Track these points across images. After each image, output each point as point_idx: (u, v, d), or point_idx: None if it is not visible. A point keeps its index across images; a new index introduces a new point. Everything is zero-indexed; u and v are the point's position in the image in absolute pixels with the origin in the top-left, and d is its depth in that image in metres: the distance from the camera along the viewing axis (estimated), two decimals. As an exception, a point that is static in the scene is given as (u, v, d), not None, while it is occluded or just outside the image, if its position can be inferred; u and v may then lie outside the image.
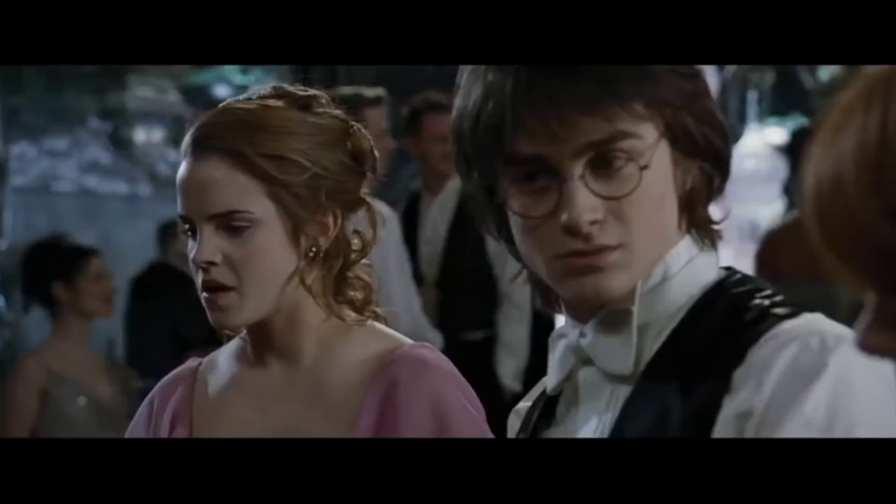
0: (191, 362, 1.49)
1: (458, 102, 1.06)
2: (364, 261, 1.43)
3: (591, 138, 0.99)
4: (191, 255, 1.37)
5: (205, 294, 1.37)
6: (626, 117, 1.00)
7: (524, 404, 1.17)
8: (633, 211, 1.00)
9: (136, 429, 1.47)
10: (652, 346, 1.04)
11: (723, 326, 1.01)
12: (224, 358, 1.47)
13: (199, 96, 6.28)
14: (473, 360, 3.32)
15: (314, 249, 1.38)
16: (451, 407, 1.35)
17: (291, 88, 1.42)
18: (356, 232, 1.43)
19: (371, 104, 3.39)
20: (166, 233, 5.31)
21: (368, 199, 1.42)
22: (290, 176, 1.36)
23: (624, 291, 1.02)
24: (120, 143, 6.82)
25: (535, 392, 1.16)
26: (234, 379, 1.44)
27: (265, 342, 1.41)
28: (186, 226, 1.38)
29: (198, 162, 1.37)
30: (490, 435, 1.36)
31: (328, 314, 1.39)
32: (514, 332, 3.74)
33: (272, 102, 1.40)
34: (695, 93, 1.04)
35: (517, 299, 3.67)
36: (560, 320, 1.12)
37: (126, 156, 6.81)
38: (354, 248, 1.43)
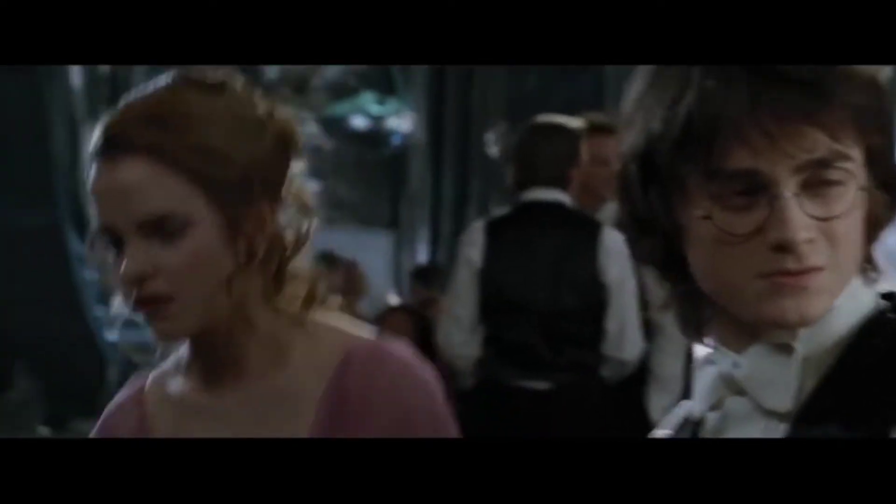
0: (133, 386, 1.35)
1: (639, 118, 0.99)
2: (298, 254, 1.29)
3: (813, 156, 0.95)
4: (117, 270, 1.22)
5: (142, 308, 1.22)
6: (847, 134, 0.97)
7: (663, 432, 1.11)
8: (842, 233, 0.97)
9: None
10: (811, 381, 1.00)
11: (888, 358, 0.98)
12: (171, 379, 1.33)
13: (337, 127, 6.56)
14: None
15: (253, 247, 1.24)
16: (411, 406, 1.26)
17: (197, 74, 1.28)
18: (289, 225, 1.28)
19: (602, 132, 3.56)
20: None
21: (297, 187, 1.28)
22: (219, 169, 1.22)
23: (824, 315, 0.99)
24: None
25: (673, 419, 1.11)
26: (185, 405, 1.31)
27: (210, 354, 1.28)
28: (107, 239, 1.23)
29: (113, 165, 1.20)
30: (454, 430, 1.29)
31: (273, 315, 1.27)
32: (667, 367, 3.51)
33: (180, 90, 1.26)
34: (891, 119, 1.02)
35: (671, 332, 3.34)
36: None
37: None
38: (287, 243, 1.27)
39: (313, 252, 1.32)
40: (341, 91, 7.19)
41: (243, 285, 1.25)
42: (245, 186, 1.24)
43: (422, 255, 7.59)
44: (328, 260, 6.01)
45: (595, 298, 3.40)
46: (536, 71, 7.67)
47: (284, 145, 1.28)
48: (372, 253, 7.09)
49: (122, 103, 1.26)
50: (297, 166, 1.30)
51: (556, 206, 3.45)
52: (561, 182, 3.47)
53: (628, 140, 0.99)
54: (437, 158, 7.47)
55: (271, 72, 6.93)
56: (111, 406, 1.37)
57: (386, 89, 7.18)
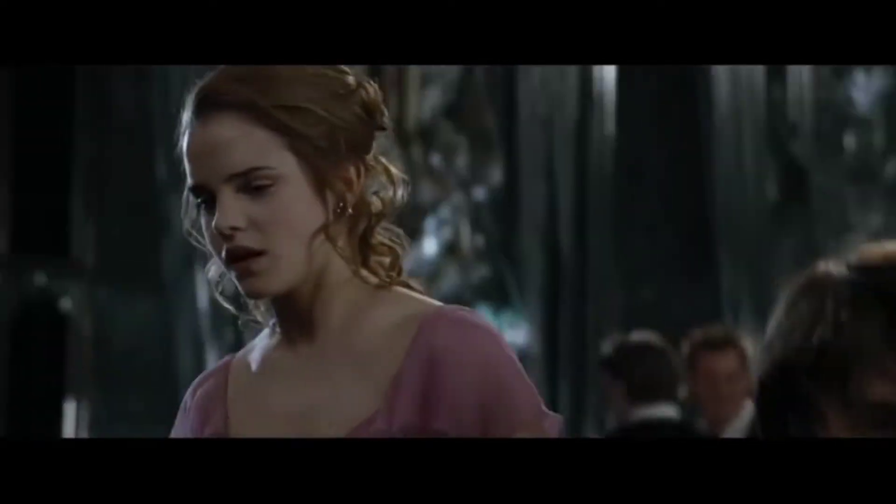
0: (226, 358, 1.40)
1: (777, 345, 0.99)
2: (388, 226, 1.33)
3: None
4: (211, 225, 1.25)
5: (233, 264, 1.25)
6: None
7: None
8: None
9: (176, 432, 1.37)
10: None
11: None
12: (258, 346, 1.35)
13: None
14: None
15: (341, 205, 1.27)
16: (502, 366, 1.26)
17: None
18: (375, 193, 1.32)
19: (715, 347, 3.56)
20: None
21: (383, 158, 1.33)
22: (308, 126, 1.25)
23: None
24: None
25: None
26: (265, 363, 1.33)
27: (292, 313, 1.30)
28: (200, 198, 1.27)
29: (205, 123, 1.24)
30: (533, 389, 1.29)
31: (356, 279, 1.29)
32: None
33: None
34: None
35: None
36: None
37: None
38: (374, 210, 1.31)
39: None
40: (457, 304, 7.32)
41: (329, 247, 1.28)
42: (332, 145, 1.28)
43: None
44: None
45: None
46: (653, 282, 7.68)
47: (370, 114, 1.32)
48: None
49: (219, 68, 1.31)
50: (383, 137, 1.33)
51: (668, 424, 3.40)
52: (673, 398, 3.43)
53: (764, 366, 0.98)
54: (553, 371, 7.46)
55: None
56: (199, 376, 1.41)
57: (501, 301, 7.26)
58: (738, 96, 7.09)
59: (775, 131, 7.09)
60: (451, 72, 7.72)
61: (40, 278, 6.78)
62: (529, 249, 7.59)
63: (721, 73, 7.13)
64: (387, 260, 1.33)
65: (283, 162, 1.26)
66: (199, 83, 1.29)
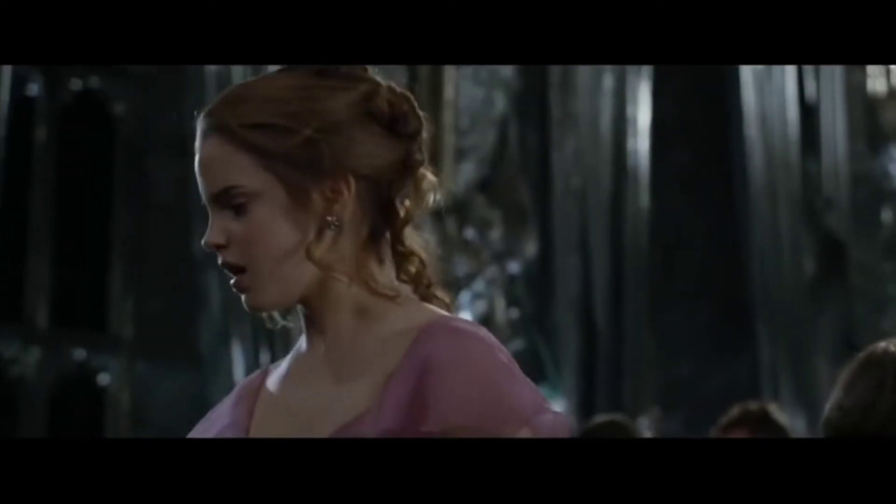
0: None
1: (836, 411, 1.01)
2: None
3: None
4: None
5: (231, 280, 1.31)
6: None
7: None
8: None
9: (212, 413, 1.41)
10: None
11: None
12: (293, 350, 1.39)
13: None
14: None
15: (330, 218, 1.27)
16: (494, 370, 1.24)
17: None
18: (402, 202, 1.31)
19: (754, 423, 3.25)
20: None
21: (417, 165, 1.31)
22: (276, 143, 1.27)
23: None
24: None
25: None
26: (291, 364, 1.36)
27: (310, 322, 1.33)
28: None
29: (202, 145, 1.31)
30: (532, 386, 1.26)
31: (365, 287, 1.30)
32: None
33: (282, 73, 1.33)
34: None
35: None
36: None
37: None
38: (401, 215, 1.31)
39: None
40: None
41: (311, 257, 1.28)
42: (311, 159, 1.27)
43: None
44: None
45: None
46: (690, 357, 7.63)
47: (389, 123, 1.29)
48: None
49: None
50: (395, 143, 1.30)
51: None
52: None
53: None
54: (590, 445, 7.41)
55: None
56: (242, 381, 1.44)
57: (536, 375, 7.24)
58: (773, 169, 7.09)
59: (811, 205, 7.07)
60: (486, 145, 7.79)
61: (80, 353, 6.82)
62: (564, 323, 7.58)
63: (755, 145, 7.14)
64: (413, 268, 1.32)
65: (256, 180, 1.28)
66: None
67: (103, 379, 6.75)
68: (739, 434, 3.59)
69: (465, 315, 7.47)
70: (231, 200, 1.29)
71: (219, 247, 1.29)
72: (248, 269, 1.28)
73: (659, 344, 7.68)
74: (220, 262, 1.30)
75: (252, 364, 6.06)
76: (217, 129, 1.29)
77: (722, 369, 7.31)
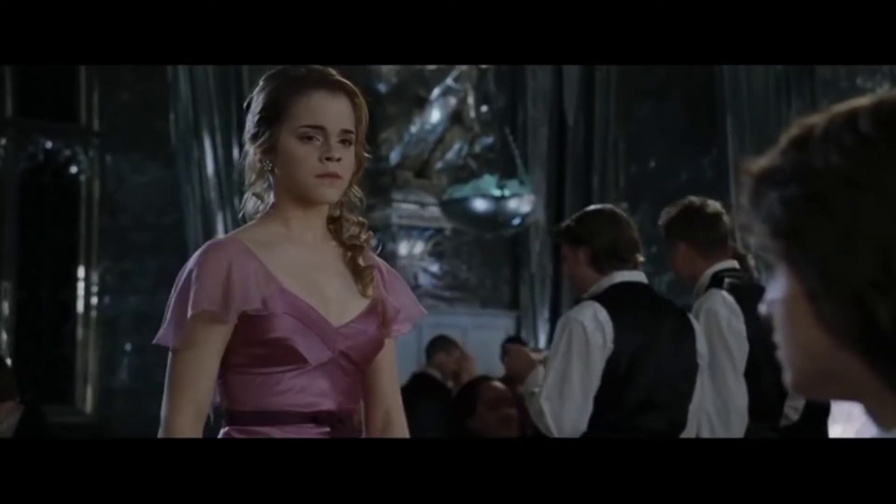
0: (219, 239, 2.17)
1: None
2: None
3: None
4: (316, 152, 2.03)
5: (325, 178, 2.02)
6: None
7: None
8: None
9: (191, 291, 2.02)
10: None
11: None
12: (256, 229, 2.10)
13: (457, 209, 6.83)
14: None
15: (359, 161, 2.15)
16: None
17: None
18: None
19: None
20: (430, 348, 5.93)
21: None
22: (362, 112, 2.14)
23: None
24: (384, 256, 6.95)
25: None
26: (277, 236, 2.09)
27: (305, 214, 2.11)
28: (311, 135, 2.04)
29: (334, 95, 2.06)
30: None
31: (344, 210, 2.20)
32: None
33: None
34: None
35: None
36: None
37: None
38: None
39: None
40: (462, 174, 7.32)
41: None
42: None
43: (542, 335, 7.63)
44: (444, 343, 6.07)
45: (693, 377, 3.41)
46: (656, 152, 7.69)
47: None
48: (492, 333, 7.13)
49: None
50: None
51: (647, 287, 3.50)
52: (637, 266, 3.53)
53: None
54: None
55: (394, 155, 7.12)
56: (201, 250, 2.06)
57: (507, 172, 7.29)
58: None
59: None
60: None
61: (50, 144, 6.79)
62: (535, 119, 7.60)
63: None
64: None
65: (354, 128, 2.07)
66: (314, 71, 2.08)
67: (74, 169, 6.75)
68: (678, 224, 3.73)
69: (436, 111, 7.47)
70: (344, 137, 2.04)
71: (337, 160, 2.02)
72: (342, 178, 2.03)
73: (628, 139, 7.72)
74: (326, 168, 2.01)
75: (222, 156, 6.08)
76: (349, 94, 2.05)
77: (689, 164, 7.39)
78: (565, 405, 3.40)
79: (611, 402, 3.35)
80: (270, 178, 2.03)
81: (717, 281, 3.66)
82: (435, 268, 7.38)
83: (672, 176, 7.54)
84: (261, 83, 2.07)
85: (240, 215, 2.10)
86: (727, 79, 6.69)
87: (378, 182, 7.06)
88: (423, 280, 7.32)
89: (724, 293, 3.62)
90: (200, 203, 5.99)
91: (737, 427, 3.38)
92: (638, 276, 3.47)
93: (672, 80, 7.40)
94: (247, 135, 2.04)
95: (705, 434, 3.37)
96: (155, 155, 6.44)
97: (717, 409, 3.41)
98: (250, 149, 2.02)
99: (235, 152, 6.08)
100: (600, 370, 3.33)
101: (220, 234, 6.03)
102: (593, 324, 3.39)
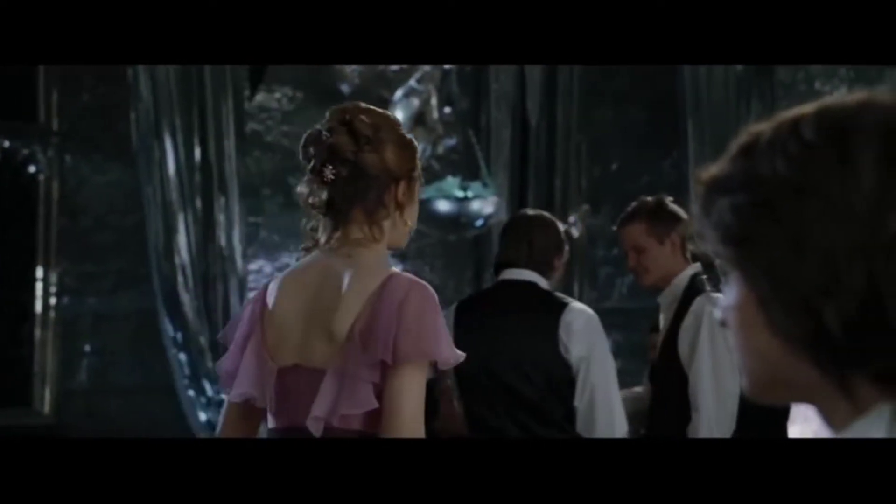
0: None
1: None
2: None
3: None
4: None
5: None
6: None
7: None
8: None
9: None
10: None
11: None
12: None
13: (420, 211, 6.77)
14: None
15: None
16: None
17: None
18: None
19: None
20: None
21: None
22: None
23: None
24: None
25: None
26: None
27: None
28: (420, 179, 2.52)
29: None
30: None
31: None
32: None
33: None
34: None
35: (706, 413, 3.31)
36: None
37: None
38: None
39: None
40: (425, 175, 7.32)
41: None
42: None
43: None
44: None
45: (560, 377, 3.40)
46: (618, 155, 7.73)
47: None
48: (455, 335, 7.12)
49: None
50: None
51: (527, 285, 3.52)
52: (542, 267, 3.54)
53: None
54: (520, 241, 7.53)
55: (357, 158, 7.11)
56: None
57: (470, 173, 7.29)
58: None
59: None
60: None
61: (8, 143, 6.73)
62: (498, 121, 7.61)
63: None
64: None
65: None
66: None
67: (32, 169, 6.69)
68: (637, 226, 3.74)
69: (399, 112, 7.45)
70: None
71: None
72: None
73: (590, 142, 7.76)
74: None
75: (184, 158, 6.05)
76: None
77: (650, 167, 7.43)
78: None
79: (465, 402, 3.37)
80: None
81: (696, 283, 3.65)
82: (398, 269, 7.38)
83: (634, 178, 7.57)
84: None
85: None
86: (688, 83, 6.75)
87: (341, 183, 7.05)
88: (386, 281, 7.33)
89: (716, 296, 3.64)
90: (161, 204, 5.96)
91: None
92: (524, 274, 3.52)
93: (634, 84, 7.45)
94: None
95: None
96: (115, 155, 6.39)
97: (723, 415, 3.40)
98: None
99: (197, 153, 6.05)
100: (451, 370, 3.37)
101: (182, 236, 6.02)
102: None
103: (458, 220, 7.02)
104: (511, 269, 3.62)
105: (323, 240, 2.28)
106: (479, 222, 6.96)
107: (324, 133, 2.33)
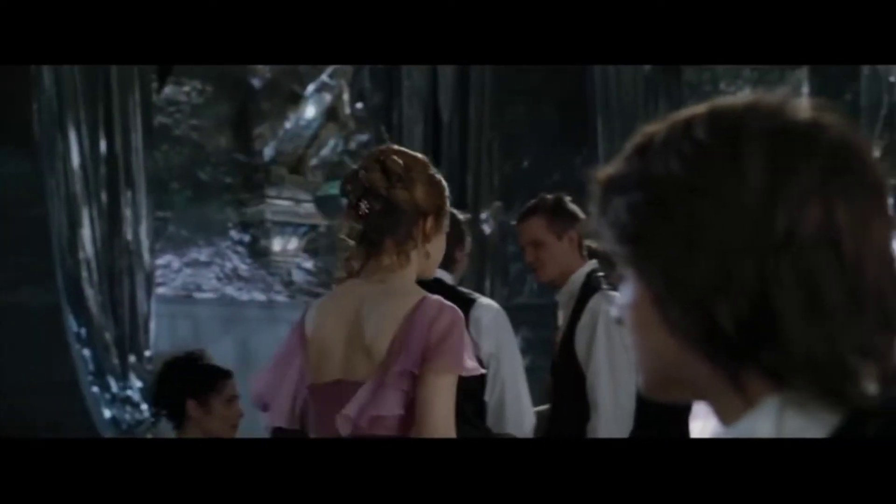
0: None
1: None
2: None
3: None
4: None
5: None
6: None
7: None
8: None
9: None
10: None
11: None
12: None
13: (332, 206, 6.65)
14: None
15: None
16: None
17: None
18: None
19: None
20: None
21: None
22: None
23: None
24: (258, 252, 6.76)
25: None
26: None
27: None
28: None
29: None
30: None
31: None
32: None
33: None
34: None
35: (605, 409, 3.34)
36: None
37: (263, 264, 6.79)
38: None
39: None
40: (337, 170, 7.28)
41: None
42: None
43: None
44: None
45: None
46: (530, 152, 7.77)
47: None
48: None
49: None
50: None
51: (433, 282, 3.53)
52: (445, 262, 3.57)
53: None
54: (432, 237, 7.53)
55: (268, 151, 7.04)
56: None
57: (381, 169, 7.27)
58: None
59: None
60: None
61: None
62: (410, 117, 7.60)
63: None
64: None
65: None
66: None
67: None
68: (537, 221, 3.76)
69: (311, 107, 7.40)
70: None
71: None
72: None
73: (502, 139, 7.79)
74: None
75: (89, 151, 5.93)
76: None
77: (562, 164, 7.48)
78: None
79: None
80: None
81: (592, 281, 3.66)
82: (309, 264, 7.33)
83: (545, 176, 7.62)
84: None
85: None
86: (598, 81, 6.80)
87: (252, 178, 6.97)
88: (298, 276, 7.26)
89: (613, 294, 3.66)
90: (65, 197, 5.83)
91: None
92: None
93: (545, 82, 7.49)
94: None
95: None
96: (17, 147, 6.24)
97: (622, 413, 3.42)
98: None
99: (103, 146, 5.94)
100: None
101: (87, 230, 5.89)
102: None
103: (370, 216, 6.98)
104: None
105: (357, 267, 2.55)
106: (390, 218, 6.93)
107: (360, 172, 2.58)
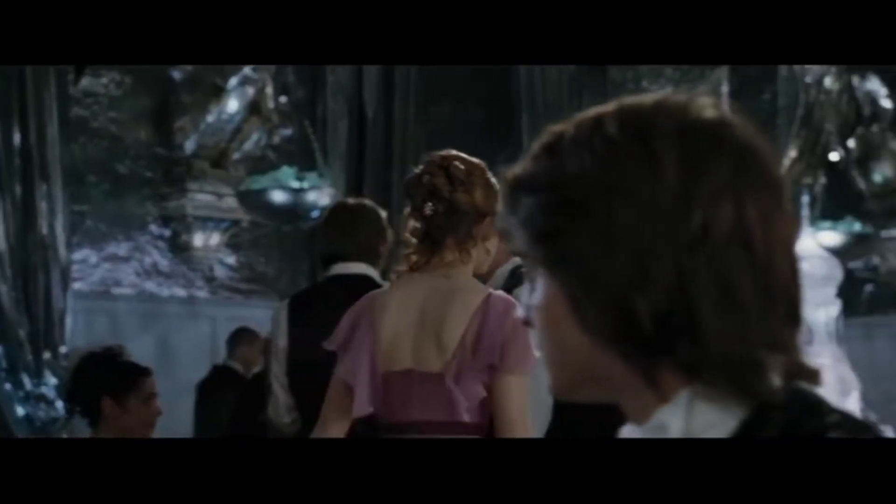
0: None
1: None
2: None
3: None
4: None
5: None
6: None
7: None
8: None
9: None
10: None
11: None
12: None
13: (255, 200, 6.51)
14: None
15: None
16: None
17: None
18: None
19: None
20: (232, 340, 5.86)
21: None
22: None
23: None
24: (178, 247, 6.58)
25: None
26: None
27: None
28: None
29: None
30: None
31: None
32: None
33: None
34: None
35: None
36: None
37: (184, 260, 6.62)
38: None
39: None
40: (260, 165, 7.21)
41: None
42: None
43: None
44: (247, 335, 5.99)
45: None
46: (455, 149, 7.76)
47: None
48: (289, 327, 7.04)
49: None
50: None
51: (363, 279, 3.51)
52: (369, 257, 3.56)
53: None
54: (356, 233, 7.49)
55: (189, 144, 6.94)
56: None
57: (306, 164, 7.21)
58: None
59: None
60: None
61: None
62: (334, 112, 7.54)
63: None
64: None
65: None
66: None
67: None
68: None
69: (234, 101, 7.32)
70: None
71: None
72: None
73: (427, 135, 7.77)
74: None
75: (2, 143, 5.79)
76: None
77: (486, 161, 7.49)
78: (273, 403, 3.44)
79: (299, 399, 3.41)
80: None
81: (516, 276, 3.65)
82: (231, 260, 7.24)
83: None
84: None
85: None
86: (523, 79, 6.82)
87: (173, 172, 6.87)
88: (220, 272, 7.18)
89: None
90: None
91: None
92: (356, 268, 3.59)
93: (470, 80, 7.49)
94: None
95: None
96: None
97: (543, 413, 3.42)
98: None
99: (17, 138, 5.81)
100: (283, 369, 3.42)
101: None
102: (274, 325, 3.52)
103: (294, 211, 6.93)
104: (341, 262, 3.56)
105: (421, 262, 2.72)
106: (314, 213, 6.88)
107: (424, 176, 2.75)
